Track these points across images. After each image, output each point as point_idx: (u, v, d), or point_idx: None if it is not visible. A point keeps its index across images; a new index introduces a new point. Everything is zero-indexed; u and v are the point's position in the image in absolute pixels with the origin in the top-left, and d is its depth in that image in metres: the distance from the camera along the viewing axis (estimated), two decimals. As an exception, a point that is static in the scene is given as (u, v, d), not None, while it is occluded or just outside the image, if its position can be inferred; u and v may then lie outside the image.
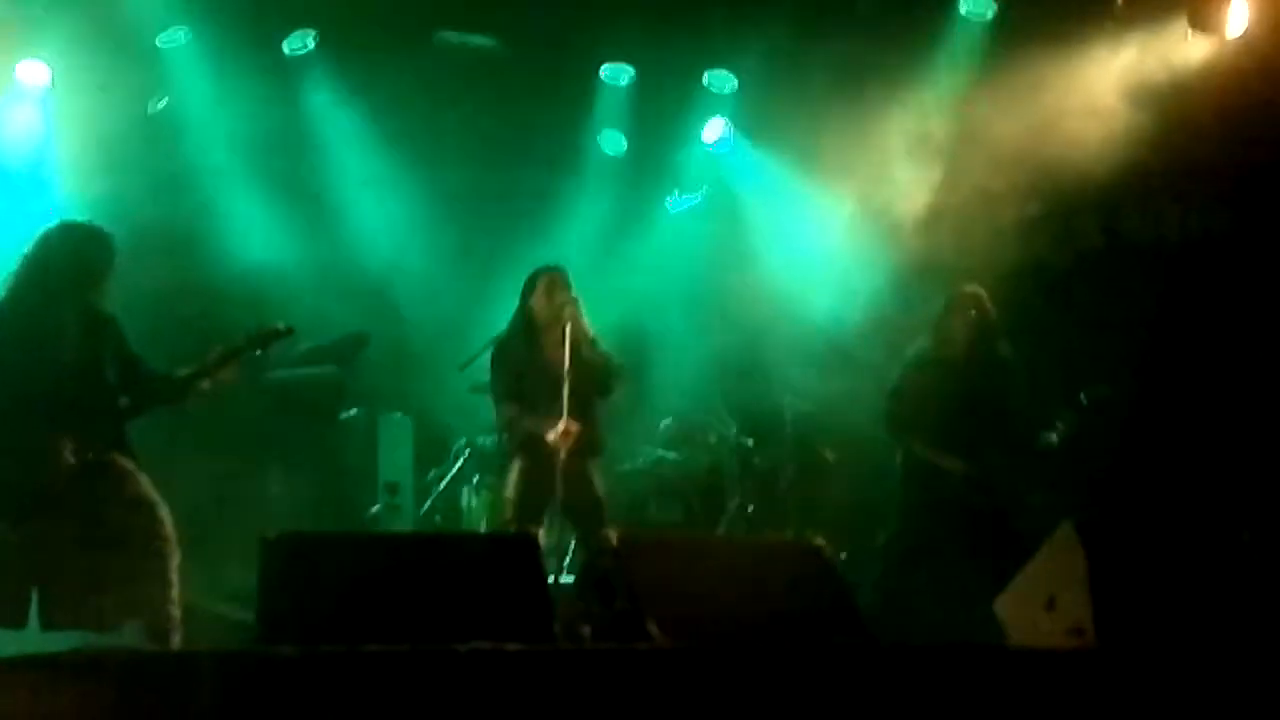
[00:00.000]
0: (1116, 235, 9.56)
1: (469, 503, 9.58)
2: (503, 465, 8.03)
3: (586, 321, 7.93)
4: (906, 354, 8.49)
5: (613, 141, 10.94)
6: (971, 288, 8.35)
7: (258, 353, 6.86)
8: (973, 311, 8.27)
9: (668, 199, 11.34)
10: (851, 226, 9.76)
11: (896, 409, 8.34)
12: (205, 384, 6.70)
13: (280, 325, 6.87)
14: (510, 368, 7.93)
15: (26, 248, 6.63)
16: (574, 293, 7.91)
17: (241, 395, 8.38)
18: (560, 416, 7.59)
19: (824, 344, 9.74)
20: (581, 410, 7.77)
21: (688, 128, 10.81)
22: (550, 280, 7.96)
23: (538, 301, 7.95)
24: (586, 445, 7.80)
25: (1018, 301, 9.41)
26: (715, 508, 9.64)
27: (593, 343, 7.92)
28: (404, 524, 9.82)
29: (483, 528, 9.13)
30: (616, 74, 10.30)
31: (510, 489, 7.80)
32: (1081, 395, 8.13)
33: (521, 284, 8.06)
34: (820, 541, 6.08)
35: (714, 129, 10.74)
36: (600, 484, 7.87)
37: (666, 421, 10.16)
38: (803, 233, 10.24)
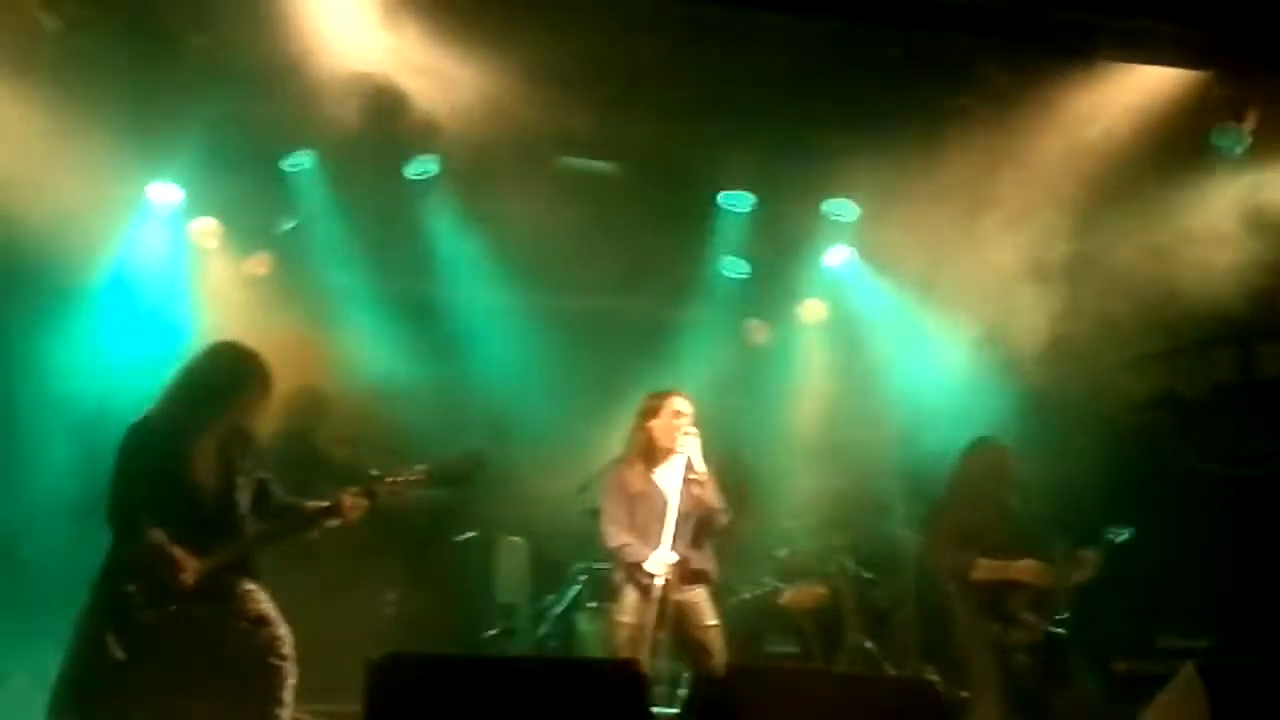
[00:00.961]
0: (1251, 369, 9.42)
1: (584, 628, 9.63)
2: (619, 591, 8.08)
3: (699, 455, 7.97)
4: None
5: (734, 267, 11.08)
6: (992, 439, 8.62)
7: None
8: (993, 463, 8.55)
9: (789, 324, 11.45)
10: (971, 356, 9.79)
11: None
12: (335, 523, 6.91)
13: (416, 471, 7.06)
14: (621, 492, 8.00)
15: (183, 363, 6.93)
16: (693, 422, 7.99)
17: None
18: (667, 545, 7.67)
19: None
20: (693, 540, 7.83)
21: (810, 252, 10.93)
22: (674, 405, 8.06)
23: (659, 426, 8.03)
24: (695, 574, 7.86)
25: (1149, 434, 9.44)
26: (832, 642, 9.58)
27: (705, 477, 7.96)
28: (519, 647, 9.90)
29: (598, 652, 9.13)
30: (736, 200, 10.41)
31: (621, 615, 7.84)
32: (1108, 533, 8.25)
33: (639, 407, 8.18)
34: (935, 679, 6.08)
35: (836, 256, 10.86)
36: (711, 613, 7.88)
37: (783, 552, 10.13)
38: (922, 361, 10.29)
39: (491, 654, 9.56)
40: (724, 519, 8.04)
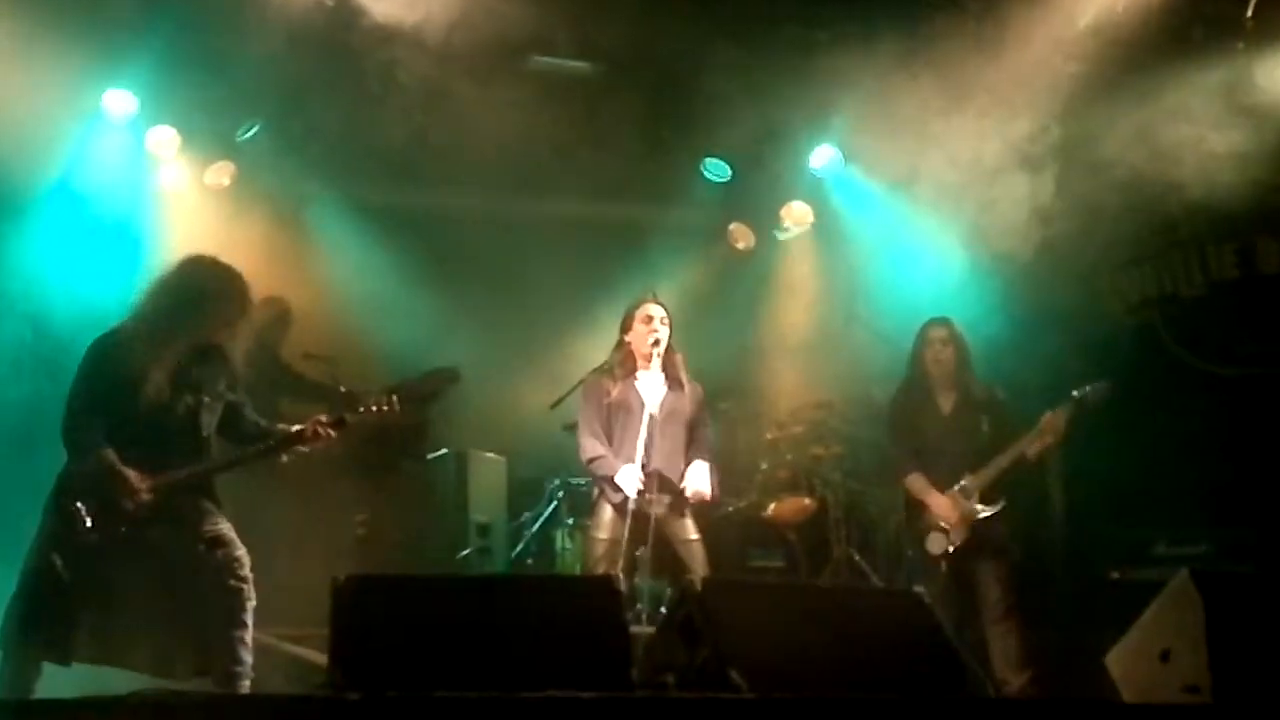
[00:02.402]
0: (1252, 266, 9.36)
1: (562, 545, 9.62)
2: (594, 506, 8.07)
3: (681, 356, 7.97)
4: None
5: (716, 170, 11.04)
6: (939, 321, 8.56)
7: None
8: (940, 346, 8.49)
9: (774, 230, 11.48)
10: (960, 256, 9.71)
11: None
12: (303, 449, 6.86)
13: (392, 399, 7.02)
14: (597, 402, 7.99)
15: (156, 276, 6.86)
16: (669, 325, 7.98)
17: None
18: (639, 457, 7.65)
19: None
20: (671, 452, 7.78)
21: (795, 154, 10.87)
22: (646, 310, 8.02)
23: (633, 336, 8.01)
24: (674, 488, 7.83)
25: (1148, 334, 9.37)
26: (819, 556, 9.58)
27: (688, 378, 7.95)
28: (496, 567, 9.90)
29: (577, 570, 9.13)
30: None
31: (597, 531, 7.84)
32: (1074, 391, 8.13)
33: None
34: (921, 590, 6.05)
35: (821, 157, 10.77)
36: (692, 527, 7.85)
37: (766, 464, 10.10)
38: (910, 263, 10.23)
39: (464, 573, 9.49)
40: (709, 434, 8.01)
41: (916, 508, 8.35)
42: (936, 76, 8.99)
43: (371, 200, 10.62)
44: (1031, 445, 8.10)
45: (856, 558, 9.47)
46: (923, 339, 8.58)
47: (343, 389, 8.97)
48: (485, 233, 10.78)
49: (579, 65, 9.97)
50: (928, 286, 9.95)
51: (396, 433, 9.74)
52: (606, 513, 7.79)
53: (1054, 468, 9.21)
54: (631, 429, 7.76)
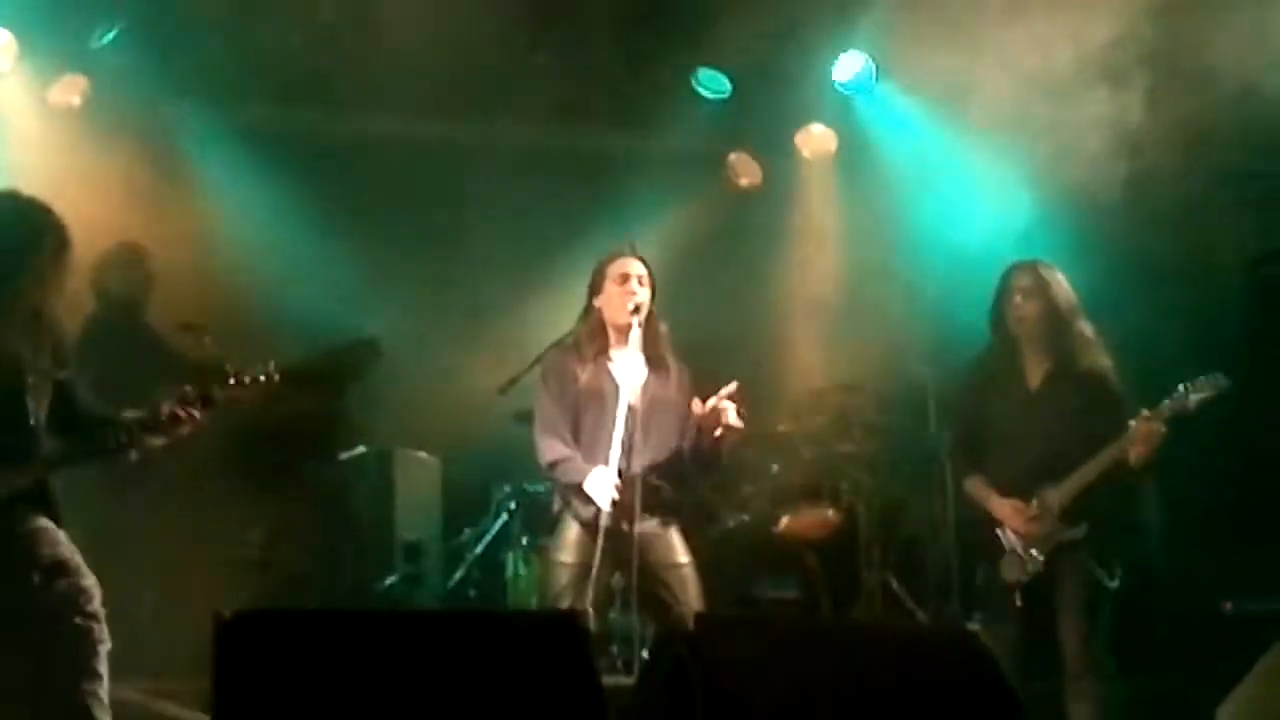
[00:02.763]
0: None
1: (515, 572, 9.66)
2: (557, 521, 7.94)
3: (666, 329, 7.92)
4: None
5: (712, 83, 11.04)
6: (1025, 265, 8.21)
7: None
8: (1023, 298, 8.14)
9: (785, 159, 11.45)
10: (1024, 196, 9.69)
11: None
12: (159, 440, 6.78)
13: (271, 367, 6.95)
14: (562, 388, 7.89)
15: None
16: (650, 286, 7.89)
17: (208, 431, 8.53)
18: (615, 459, 7.53)
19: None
20: (655, 452, 7.78)
21: (812, 62, 10.88)
22: (620, 267, 7.94)
23: (606, 299, 7.94)
24: (659, 500, 7.75)
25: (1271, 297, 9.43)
26: (845, 583, 9.59)
27: (674, 359, 7.91)
28: (427, 598, 9.92)
29: (534, 604, 9.13)
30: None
31: (560, 553, 7.77)
32: (1178, 391, 7.77)
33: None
34: (978, 627, 6.04)
35: (847, 67, 10.79)
36: (681, 549, 7.82)
37: (777, 466, 10.16)
38: (960, 204, 10.24)
39: (387, 608, 9.54)
40: (709, 438, 7.89)
41: (983, 519, 8.15)
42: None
43: (265, 125, 10.64)
44: (1124, 453, 7.82)
45: (894, 586, 9.50)
46: (1003, 289, 8.20)
47: (230, 370, 8.90)
48: (414, 166, 10.81)
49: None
50: (983, 234, 9.91)
51: (299, 426, 9.73)
52: (572, 530, 7.72)
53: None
54: (605, 423, 7.67)
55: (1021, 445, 7.99)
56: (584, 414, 7.81)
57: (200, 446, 7.17)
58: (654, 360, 7.89)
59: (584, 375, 7.84)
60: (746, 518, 9.91)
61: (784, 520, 9.89)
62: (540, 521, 9.07)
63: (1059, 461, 7.88)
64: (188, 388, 6.79)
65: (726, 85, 11.02)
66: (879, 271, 10.68)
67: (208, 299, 9.78)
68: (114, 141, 9.91)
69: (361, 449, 10.27)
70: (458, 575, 10.01)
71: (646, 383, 7.82)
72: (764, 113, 11.27)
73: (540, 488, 9.33)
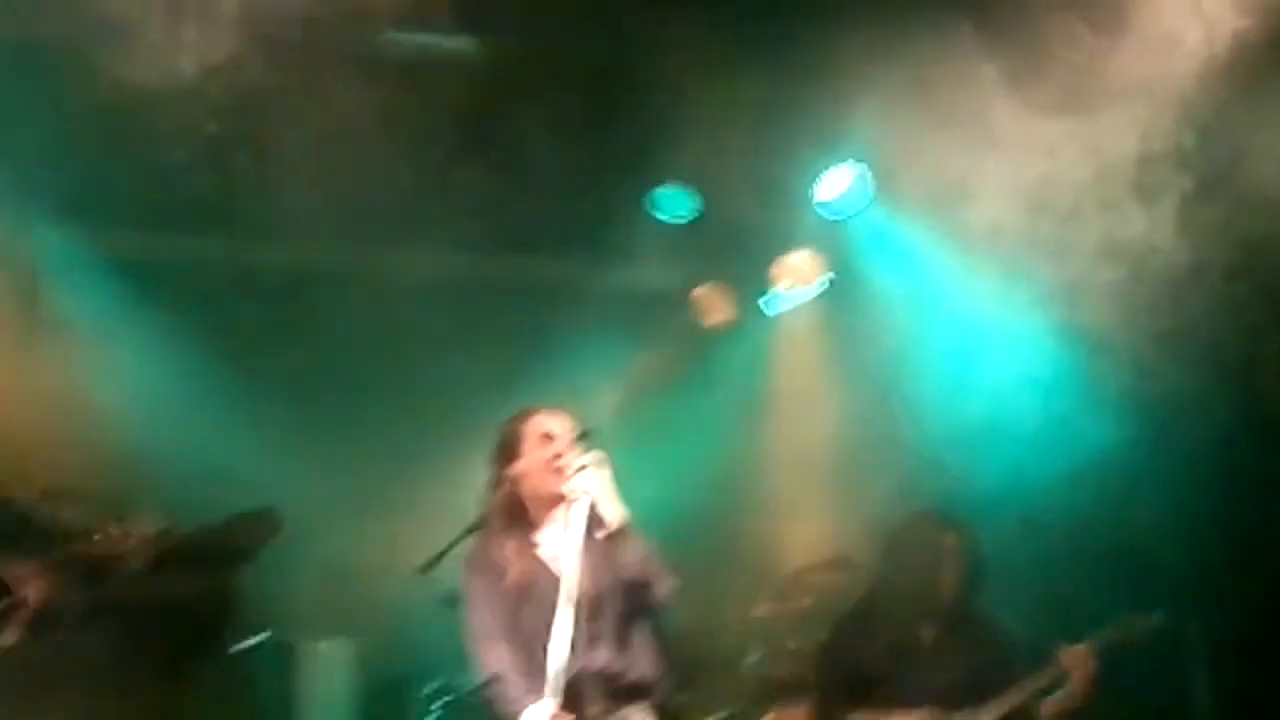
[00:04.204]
0: None
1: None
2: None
3: (608, 493, 7.63)
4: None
5: (675, 205, 11.04)
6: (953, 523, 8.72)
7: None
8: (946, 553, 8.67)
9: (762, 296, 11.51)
10: (1045, 331, 9.70)
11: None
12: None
13: (147, 526, 6.69)
14: (490, 585, 7.66)
15: None
16: (583, 444, 7.63)
17: (67, 617, 8.25)
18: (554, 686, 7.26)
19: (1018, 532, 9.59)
20: (618, 634, 7.53)
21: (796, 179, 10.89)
22: (539, 428, 7.74)
23: (526, 468, 7.70)
24: (629, 688, 7.53)
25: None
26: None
27: (621, 527, 7.62)
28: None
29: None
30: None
31: None
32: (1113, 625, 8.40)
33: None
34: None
35: (836, 183, 10.75)
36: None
37: (755, 656, 10.07)
38: (968, 344, 10.26)
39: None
40: (664, 589, 7.65)
41: None
42: (1007, 61, 9.05)
43: (141, 255, 10.58)
44: (1045, 692, 8.35)
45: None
46: (925, 541, 8.70)
47: (97, 537, 8.76)
48: (318, 303, 10.75)
49: (462, 44, 9.94)
50: (999, 380, 9.98)
51: (185, 613, 9.47)
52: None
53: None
54: (540, 625, 7.41)
55: (921, 689, 8.49)
56: (519, 613, 7.58)
57: (65, 641, 6.84)
58: (591, 522, 7.62)
59: (514, 563, 7.65)
60: (723, 716, 9.77)
61: (769, 718, 9.69)
62: (476, 725, 8.91)
63: (964, 699, 8.42)
64: (32, 563, 6.54)
65: (690, 206, 11.02)
66: (874, 427, 10.74)
67: (72, 461, 9.56)
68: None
69: (259, 638, 9.99)
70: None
71: (588, 557, 7.51)
72: (736, 238, 11.25)
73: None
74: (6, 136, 9.64)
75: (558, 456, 7.58)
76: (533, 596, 7.53)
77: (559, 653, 7.21)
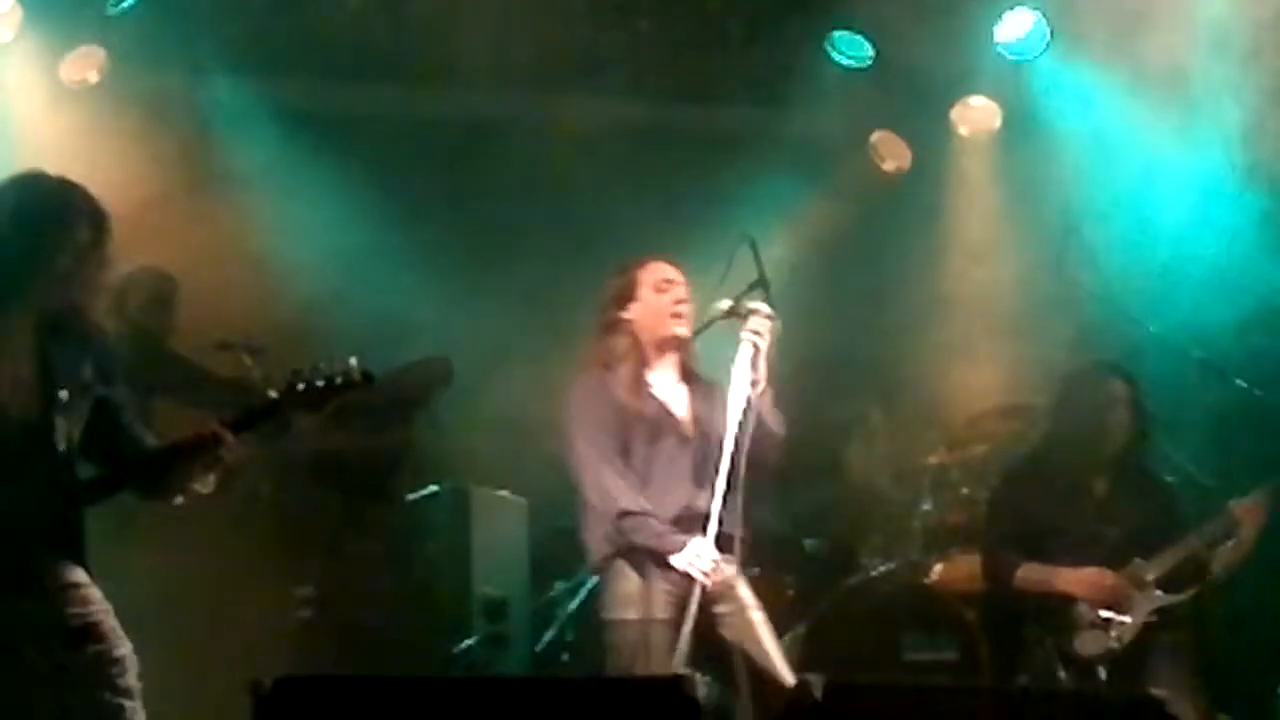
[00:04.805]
0: None
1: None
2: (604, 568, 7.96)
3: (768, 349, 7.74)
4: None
5: (850, 48, 11.12)
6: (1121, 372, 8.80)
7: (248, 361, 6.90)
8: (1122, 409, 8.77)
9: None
10: (1240, 180, 9.72)
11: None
12: (200, 482, 6.73)
13: (348, 368, 6.82)
14: (604, 418, 7.85)
15: None
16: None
17: (252, 466, 8.56)
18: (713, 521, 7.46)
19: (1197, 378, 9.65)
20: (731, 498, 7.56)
21: (972, 21, 10.88)
22: (661, 274, 7.96)
23: (643, 311, 7.95)
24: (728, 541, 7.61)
25: None
26: (1011, 644, 9.49)
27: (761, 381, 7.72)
28: (513, 664, 9.95)
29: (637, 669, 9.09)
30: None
31: (619, 607, 7.75)
32: None
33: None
34: (1161, 694, 6.00)
35: (1014, 27, 10.80)
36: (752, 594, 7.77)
37: (927, 503, 10.16)
38: (1155, 192, 10.26)
39: (461, 674, 9.55)
40: (775, 456, 7.88)
41: (1050, 604, 8.64)
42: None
43: (312, 105, 10.81)
44: (1216, 542, 8.49)
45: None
46: (1094, 392, 8.87)
47: (271, 393, 9.01)
48: (492, 153, 10.90)
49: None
50: (1180, 227, 10.07)
51: (359, 462, 9.81)
52: (631, 582, 7.73)
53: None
54: (662, 457, 7.72)
55: (1093, 543, 8.71)
56: (630, 449, 7.79)
57: (244, 487, 7.16)
58: (691, 377, 7.92)
59: (624, 396, 7.84)
60: (892, 565, 9.91)
61: (938, 569, 9.91)
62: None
63: (1139, 549, 8.57)
64: (241, 409, 6.75)
65: (868, 51, 11.07)
66: (1053, 269, 10.60)
67: (246, 312, 9.95)
68: (136, 124, 10.04)
69: (433, 488, 10.28)
70: (548, 636, 9.98)
71: (692, 405, 7.82)
72: (913, 84, 11.24)
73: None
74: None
75: (677, 302, 7.81)
76: (647, 433, 7.72)
77: (712, 496, 7.37)
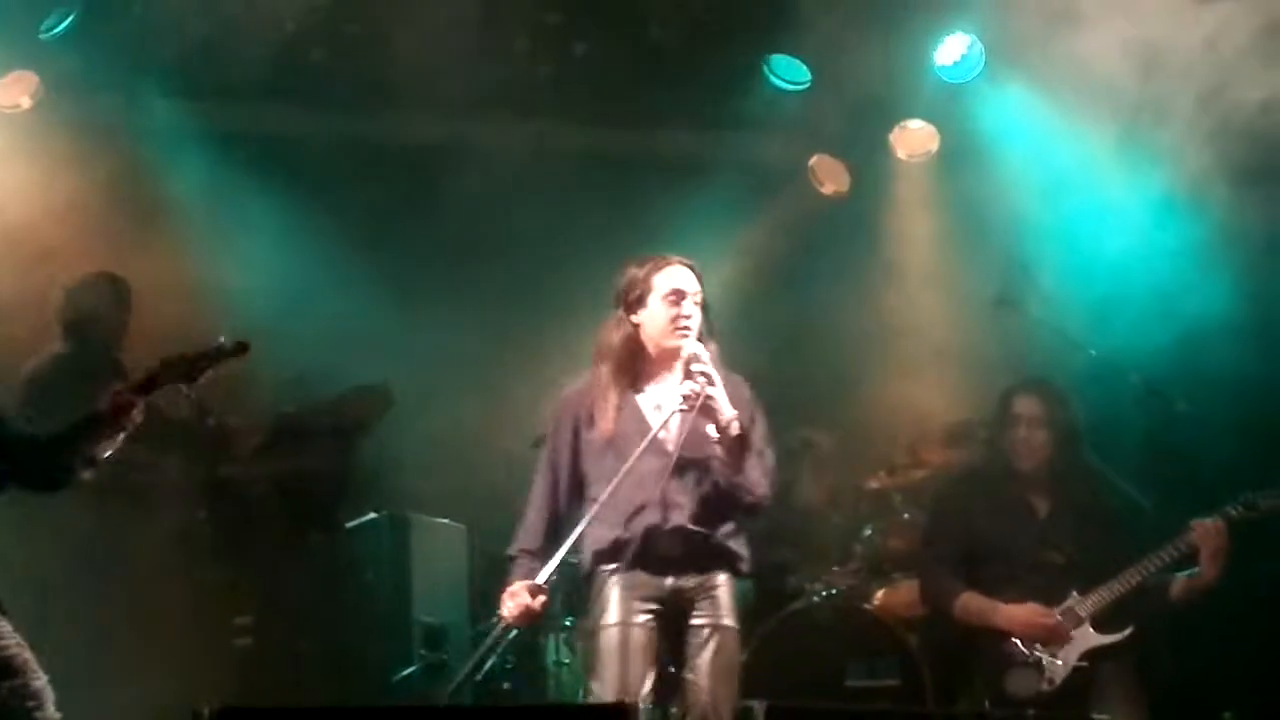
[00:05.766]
0: None
1: (557, 658, 9.68)
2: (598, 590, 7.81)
3: (714, 347, 7.70)
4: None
5: (789, 71, 11.13)
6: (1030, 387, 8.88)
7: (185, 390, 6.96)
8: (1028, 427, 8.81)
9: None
10: (1182, 199, 9.71)
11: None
12: (94, 451, 6.74)
13: (219, 343, 6.97)
14: (565, 443, 7.79)
15: None
16: (702, 304, 7.72)
17: (190, 495, 8.54)
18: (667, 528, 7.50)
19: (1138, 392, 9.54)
20: (710, 503, 7.64)
21: (910, 46, 10.88)
22: (674, 282, 7.71)
23: (651, 317, 7.74)
24: (713, 551, 7.64)
25: None
26: (957, 671, 9.48)
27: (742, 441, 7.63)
28: (454, 694, 9.87)
29: (580, 695, 9.11)
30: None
31: (606, 614, 7.67)
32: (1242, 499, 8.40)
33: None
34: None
35: (952, 50, 10.84)
36: (730, 610, 7.64)
37: (871, 530, 10.21)
38: (1093, 215, 10.28)
39: (401, 702, 9.55)
40: (757, 497, 7.70)
41: (982, 637, 8.62)
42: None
43: (250, 130, 10.78)
44: (1170, 569, 8.44)
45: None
46: (1006, 415, 8.92)
47: (211, 421, 9.02)
48: (427, 176, 10.91)
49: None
50: (1121, 250, 10.05)
51: (300, 487, 9.80)
52: (613, 592, 7.69)
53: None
54: (630, 478, 7.46)
55: (1034, 568, 8.68)
56: (602, 462, 7.66)
57: (182, 515, 7.15)
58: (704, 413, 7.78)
59: (603, 419, 7.72)
60: (834, 590, 9.86)
61: (879, 594, 9.95)
62: (581, 597, 9.09)
63: (1080, 579, 8.56)
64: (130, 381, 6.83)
65: (806, 74, 11.07)
66: (992, 291, 10.51)
67: (184, 339, 9.58)
68: (70, 150, 10.04)
69: (373, 515, 10.26)
70: (488, 665, 9.95)
71: (680, 420, 7.66)
72: (851, 107, 11.20)
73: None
74: (108, 4, 9.96)
75: (684, 315, 7.58)
76: (619, 448, 7.55)
77: (669, 507, 7.47)
